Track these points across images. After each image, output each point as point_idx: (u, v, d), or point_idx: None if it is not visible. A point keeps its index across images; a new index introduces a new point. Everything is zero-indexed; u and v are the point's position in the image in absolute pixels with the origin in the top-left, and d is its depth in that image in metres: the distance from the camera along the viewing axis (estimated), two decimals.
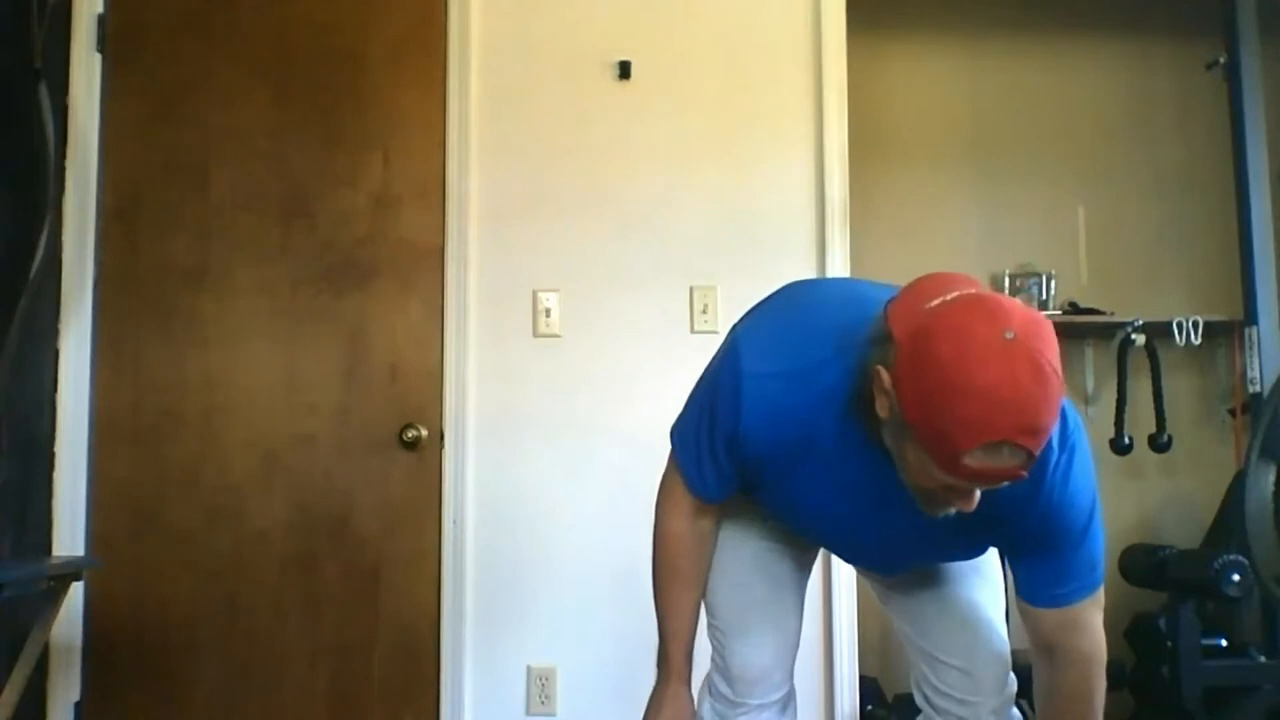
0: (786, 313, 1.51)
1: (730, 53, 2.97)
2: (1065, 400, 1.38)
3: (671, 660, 1.66)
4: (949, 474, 1.21)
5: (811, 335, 1.42)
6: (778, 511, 1.63)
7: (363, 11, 2.94)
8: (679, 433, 1.61)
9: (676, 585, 1.65)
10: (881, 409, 1.27)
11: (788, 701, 1.75)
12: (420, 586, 2.81)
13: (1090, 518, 1.43)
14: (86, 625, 2.76)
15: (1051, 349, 1.19)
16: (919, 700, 1.74)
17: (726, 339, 1.52)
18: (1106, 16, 3.84)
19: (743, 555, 1.71)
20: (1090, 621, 1.48)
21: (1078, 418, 1.43)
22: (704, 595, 1.71)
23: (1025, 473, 1.20)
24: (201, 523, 2.80)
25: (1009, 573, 1.58)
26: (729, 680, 1.71)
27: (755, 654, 1.70)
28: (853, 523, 1.52)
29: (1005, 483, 1.22)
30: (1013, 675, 1.68)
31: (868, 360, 1.28)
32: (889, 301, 1.30)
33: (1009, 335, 1.16)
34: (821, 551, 1.84)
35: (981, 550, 1.61)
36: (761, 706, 1.71)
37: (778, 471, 1.48)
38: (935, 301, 1.23)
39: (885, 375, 1.24)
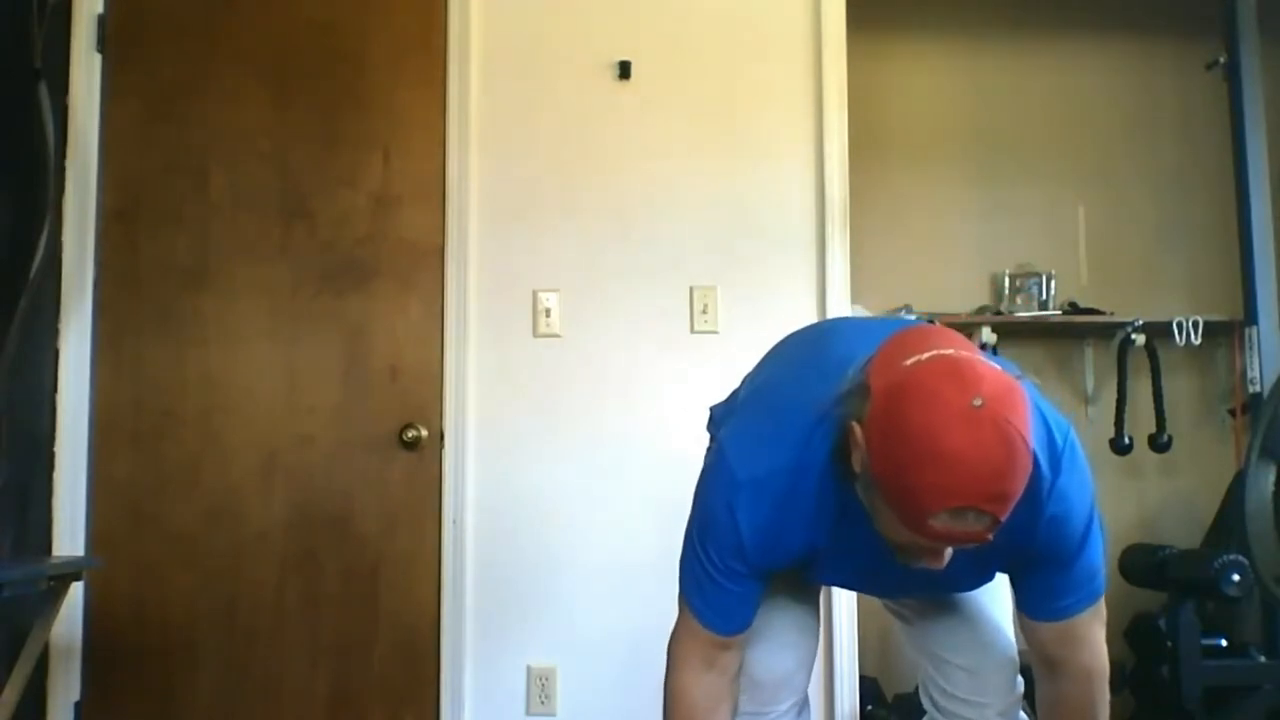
0: (766, 401, 1.52)
1: (730, 53, 2.97)
2: (1050, 413, 1.40)
3: None
4: (916, 534, 1.22)
5: (793, 416, 1.41)
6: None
7: (363, 12, 2.94)
8: (684, 568, 1.53)
9: None
10: (856, 463, 1.27)
11: (803, 707, 1.74)
12: (420, 586, 2.81)
13: (1088, 529, 1.42)
14: (86, 625, 2.76)
15: (1021, 417, 1.18)
16: (926, 704, 1.73)
17: (714, 449, 1.52)
18: (1107, 16, 3.84)
19: None
20: (1091, 635, 1.48)
21: (1066, 427, 1.42)
22: None
23: (990, 536, 1.21)
24: (201, 523, 2.80)
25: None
26: (751, 689, 1.65)
27: (779, 658, 1.66)
28: (866, 573, 1.51)
29: (972, 544, 1.22)
30: (1020, 677, 1.68)
31: (845, 414, 1.28)
32: (874, 354, 1.29)
33: (977, 403, 1.16)
34: None
35: (991, 576, 1.58)
36: (781, 715, 1.68)
37: (796, 562, 1.47)
38: (911, 360, 1.22)
39: (858, 430, 1.24)
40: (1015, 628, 1.67)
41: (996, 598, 1.69)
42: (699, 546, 1.48)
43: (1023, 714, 1.70)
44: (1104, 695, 1.49)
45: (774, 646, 1.66)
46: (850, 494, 1.34)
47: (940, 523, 1.18)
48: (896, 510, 1.22)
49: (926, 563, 1.27)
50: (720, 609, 1.50)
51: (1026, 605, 1.49)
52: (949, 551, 1.26)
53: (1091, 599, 1.46)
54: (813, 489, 1.38)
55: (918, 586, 1.55)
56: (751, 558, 1.43)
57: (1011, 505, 1.19)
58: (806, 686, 1.73)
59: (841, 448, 1.31)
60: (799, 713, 1.73)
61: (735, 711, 1.58)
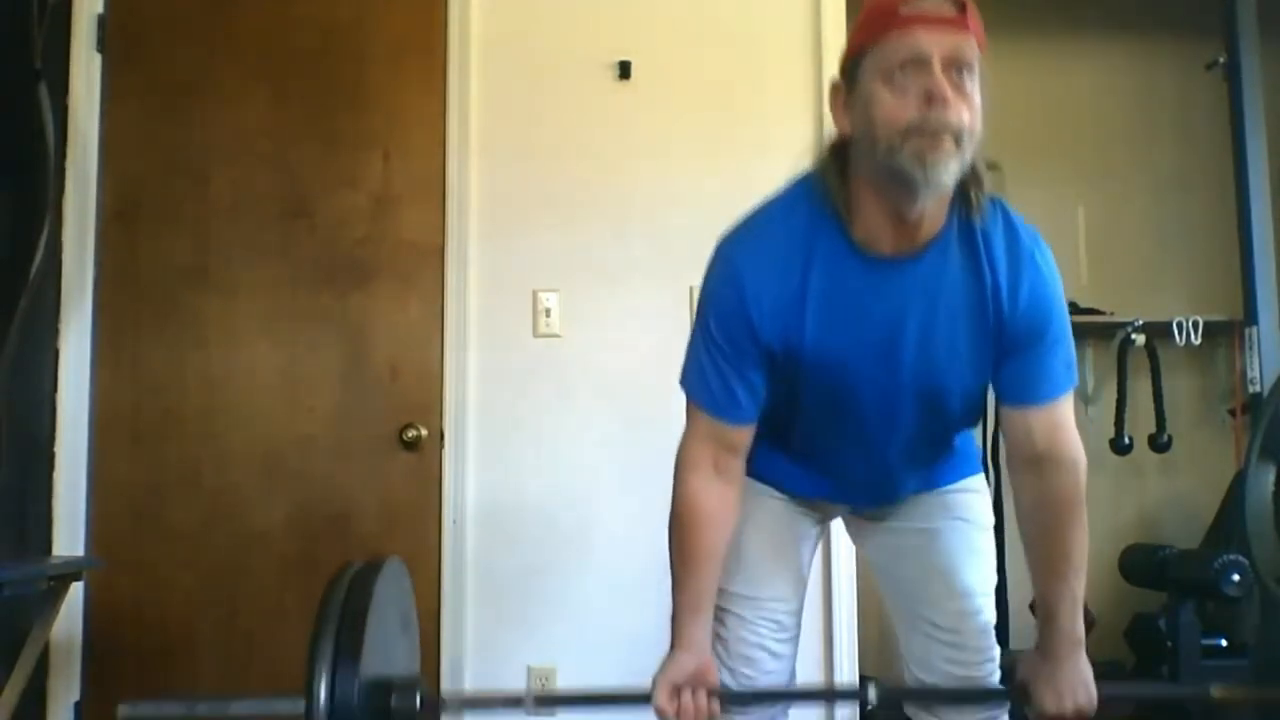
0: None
1: (730, 52, 2.97)
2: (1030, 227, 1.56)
3: (683, 634, 1.62)
4: (896, 34, 1.38)
5: (772, 197, 1.62)
6: (807, 401, 1.61)
7: (363, 12, 2.94)
8: (689, 368, 1.64)
9: (692, 556, 1.62)
10: (841, 124, 1.49)
11: (794, 637, 1.77)
12: (420, 586, 2.79)
13: (1064, 316, 1.55)
14: (86, 625, 2.76)
15: None
16: (909, 679, 1.75)
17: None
18: (1107, 16, 3.84)
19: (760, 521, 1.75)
20: (1071, 422, 1.59)
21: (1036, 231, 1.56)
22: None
23: (959, 16, 1.43)
24: (201, 523, 2.80)
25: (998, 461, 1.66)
26: (742, 582, 1.72)
27: (770, 576, 1.74)
28: (873, 357, 1.54)
29: (950, 35, 1.43)
30: (996, 647, 1.71)
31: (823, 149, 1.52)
32: None
33: None
34: (821, 555, 1.84)
35: (987, 371, 1.60)
36: (774, 608, 1.72)
37: (795, 333, 1.53)
38: None
39: (838, 81, 1.48)
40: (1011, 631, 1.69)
41: (984, 578, 1.72)
42: (702, 324, 1.59)
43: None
44: (1083, 485, 1.58)
45: (762, 570, 1.74)
46: (837, 228, 1.50)
47: (910, 9, 1.38)
48: (875, 37, 1.41)
49: (933, 95, 1.39)
50: (724, 390, 1.57)
51: (1022, 391, 1.57)
52: (944, 84, 1.40)
53: (1072, 383, 1.58)
54: (802, 222, 1.53)
55: (912, 375, 1.55)
56: (750, 307, 1.52)
57: None
58: (797, 616, 1.77)
59: (827, 183, 1.51)
60: (791, 637, 1.77)
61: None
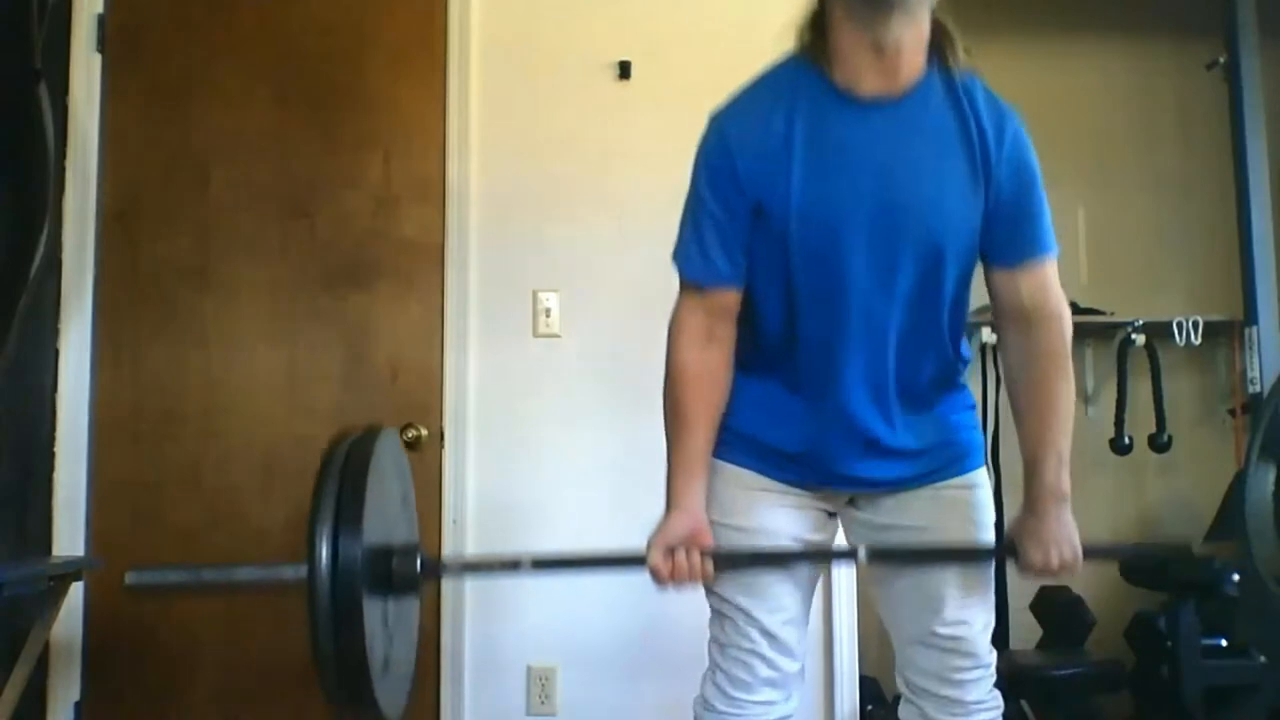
0: None
1: (730, 52, 2.96)
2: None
3: (677, 495, 1.64)
4: None
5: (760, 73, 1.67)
6: (800, 280, 1.60)
7: (363, 12, 2.94)
8: (678, 241, 1.73)
9: (685, 423, 1.65)
10: None
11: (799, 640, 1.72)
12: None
13: (1042, 184, 1.67)
14: (86, 625, 2.76)
15: None
16: (901, 686, 1.72)
17: None
18: (1107, 16, 3.84)
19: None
20: (1055, 281, 1.68)
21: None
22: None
23: None
24: (202, 523, 2.80)
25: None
26: (736, 589, 1.68)
27: (768, 586, 1.69)
28: (865, 205, 1.56)
29: None
30: (993, 653, 1.69)
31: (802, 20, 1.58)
32: None
33: None
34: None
35: (977, 215, 1.61)
36: (768, 621, 1.67)
37: (782, 187, 1.57)
38: None
39: None
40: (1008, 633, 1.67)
41: (975, 567, 1.69)
42: (693, 189, 1.70)
43: (997, 692, 1.69)
44: (1068, 339, 1.67)
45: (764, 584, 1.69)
46: (819, 76, 1.56)
47: None
48: None
49: None
50: (713, 253, 1.66)
51: (1013, 250, 1.65)
52: None
53: (1053, 246, 1.69)
54: (785, 77, 1.61)
55: (905, 218, 1.56)
56: (736, 159, 1.59)
57: None
58: (802, 633, 1.72)
59: (810, 40, 1.58)
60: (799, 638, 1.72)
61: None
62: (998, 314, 1.69)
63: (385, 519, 1.58)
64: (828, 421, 1.66)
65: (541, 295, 2.90)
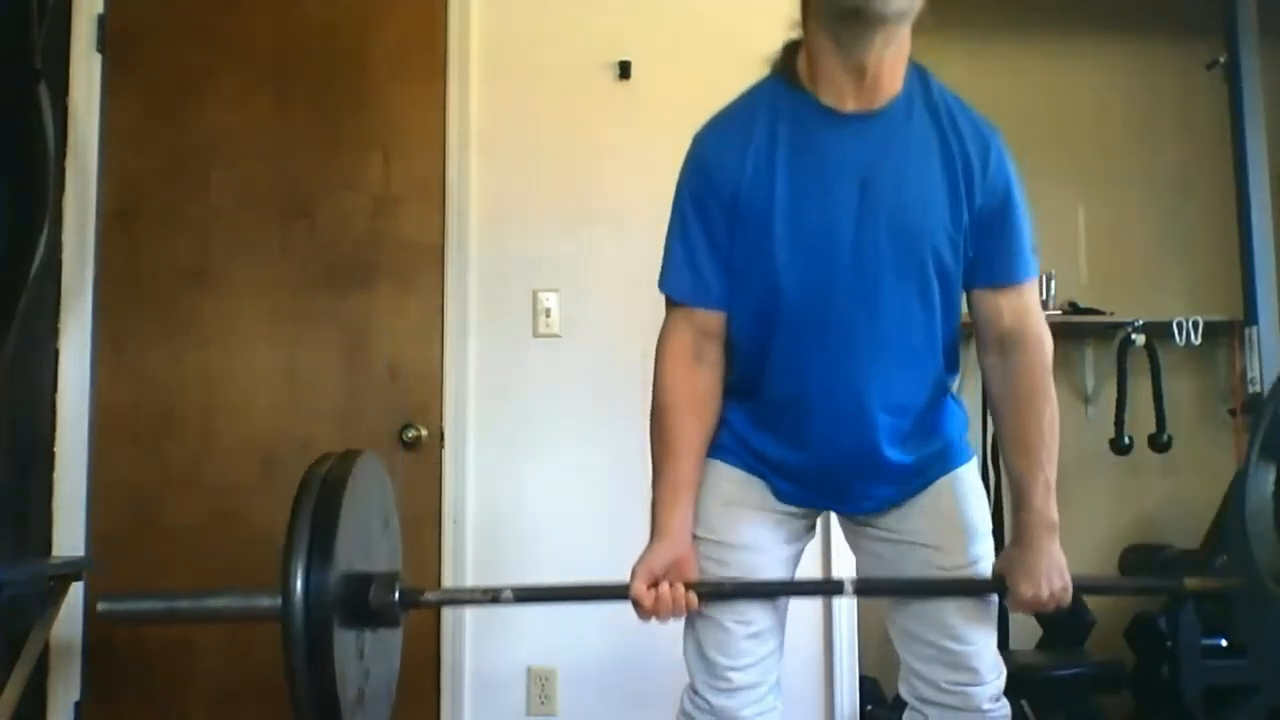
0: None
1: (730, 52, 2.96)
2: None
3: (662, 524, 1.62)
4: None
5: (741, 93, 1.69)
6: (785, 301, 1.59)
7: (363, 12, 2.94)
8: (663, 264, 1.67)
9: (671, 450, 1.63)
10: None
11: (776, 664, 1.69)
12: (420, 586, 2.80)
13: (1025, 204, 1.63)
14: (86, 625, 2.76)
15: None
16: (905, 693, 1.70)
17: None
18: (1107, 16, 3.84)
19: None
20: (1038, 305, 1.69)
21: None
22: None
23: None
24: (201, 523, 2.80)
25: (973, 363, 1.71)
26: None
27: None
28: (848, 216, 1.56)
29: None
30: (1002, 665, 1.67)
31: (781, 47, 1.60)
32: None
33: None
34: (820, 555, 1.81)
35: (960, 230, 1.59)
36: (735, 630, 1.63)
37: (766, 196, 1.57)
38: None
39: None
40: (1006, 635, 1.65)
41: (988, 637, 1.66)
42: (675, 205, 1.68)
43: (1006, 702, 1.67)
44: (1050, 363, 1.67)
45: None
46: (800, 93, 1.57)
47: None
48: None
49: None
50: (697, 271, 1.62)
51: (995, 271, 1.63)
52: None
53: (1037, 270, 1.68)
54: (766, 94, 1.64)
55: (888, 231, 1.56)
56: (713, 172, 1.61)
57: None
58: (777, 654, 1.69)
59: (788, 59, 1.60)
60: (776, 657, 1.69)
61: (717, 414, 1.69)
62: (980, 340, 1.68)
63: (365, 546, 1.57)
64: (811, 449, 1.65)
65: (541, 295, 2.90)
